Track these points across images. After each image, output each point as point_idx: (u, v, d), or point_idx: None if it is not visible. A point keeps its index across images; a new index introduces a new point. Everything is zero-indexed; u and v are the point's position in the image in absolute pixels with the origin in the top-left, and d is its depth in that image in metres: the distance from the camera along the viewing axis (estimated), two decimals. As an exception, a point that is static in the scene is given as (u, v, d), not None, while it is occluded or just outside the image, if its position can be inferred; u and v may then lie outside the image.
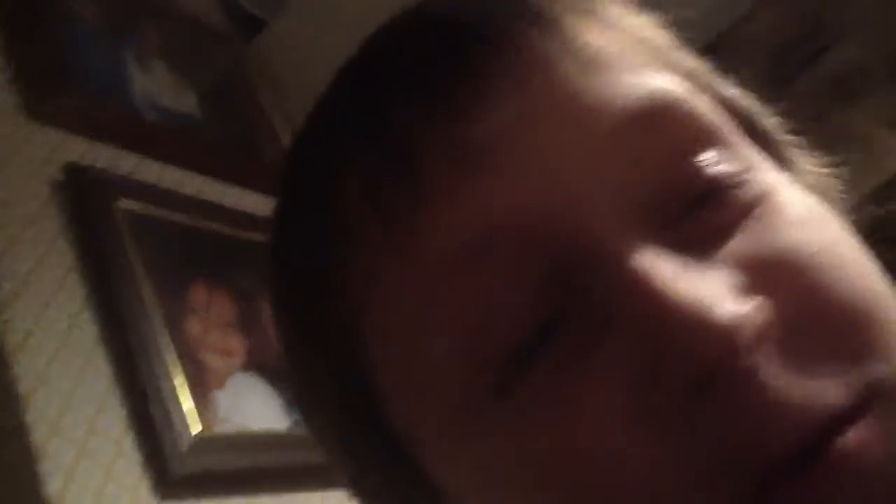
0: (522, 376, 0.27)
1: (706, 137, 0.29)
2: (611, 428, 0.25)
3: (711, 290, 0.25)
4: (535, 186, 0.27)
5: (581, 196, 0.27)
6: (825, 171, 0.35)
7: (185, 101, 1.26)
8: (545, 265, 0.27)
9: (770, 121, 0.34)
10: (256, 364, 0.99)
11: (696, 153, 0.29)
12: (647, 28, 0.34)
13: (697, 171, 0.29)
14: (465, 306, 0.27)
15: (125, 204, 0.98)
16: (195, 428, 0.84)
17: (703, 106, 0.30)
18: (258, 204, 1.21)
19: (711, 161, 0.29)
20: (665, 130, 0.29)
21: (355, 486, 0.35)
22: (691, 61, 0.34)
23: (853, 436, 0.24)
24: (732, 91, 0.34)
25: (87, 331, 0.86)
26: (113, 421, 0.81)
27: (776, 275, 0.27)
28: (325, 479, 0.95)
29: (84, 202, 0.94)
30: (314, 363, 0.33)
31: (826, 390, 0.25)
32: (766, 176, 0.30)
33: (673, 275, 0.26)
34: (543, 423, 0.27)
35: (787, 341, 0.25)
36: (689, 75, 0.32)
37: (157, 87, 1.22)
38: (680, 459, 0.25)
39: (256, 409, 0.94)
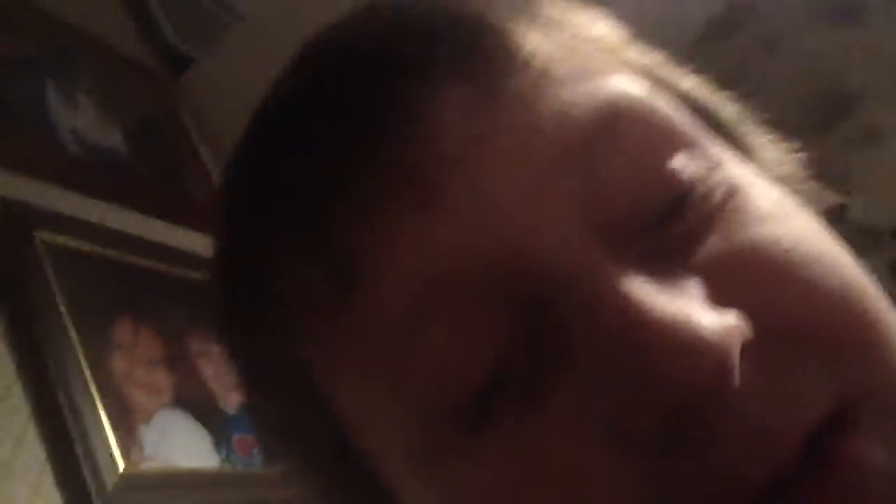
0: (489, 419, 0.25)
1: (669, 140, 0.27)
2: (585, 464, 0.24)
3: (689, 306, 0.23)
4: (482, 223, 0.25)
5: (535, 226, 0.25)
6: (787, 157, 0.34)
7: (112, 137, 1.23)
8: (501, 305, 0.25)
9: (731, 110, 0.33)
10: (184, 401, 0.96)
11: (659, 159, 0.27)
12: (596, 26, 0.32)
13: (663, 180, 0.27)
14: (420, 359, 0.26)
15: (46, 236, 0.95)
16: (120, 466, 0.81)
17: (664, 105, 0.28)
18: (187, 240, 1.19)
19: (677, 166, 0.27)
20: (625, 139, 0.27)
21: None
22: (647, 56, 0.32)
23: (847, 444, 0.23)
24: (691, 83, 0.32)
25: (4, 367, 0.82)
26: (31, 461, 0.77)
27: (750, 277, 0.25)
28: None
29: (2, 235, 0.91)
30: (274, 402, 0.32)
31: (810, 399, 0.23)
32: (732, 172, 0.28)
33: (645, 292, 0.24)
34: (512, 464, 0.25)
35: (766, 351, 0.24)
36: (645, 72, 0.30)
37: (84, 122, 1.19)
38: (663, 491, 0.23)
39: (184, 446, 0.91)
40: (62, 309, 0.89)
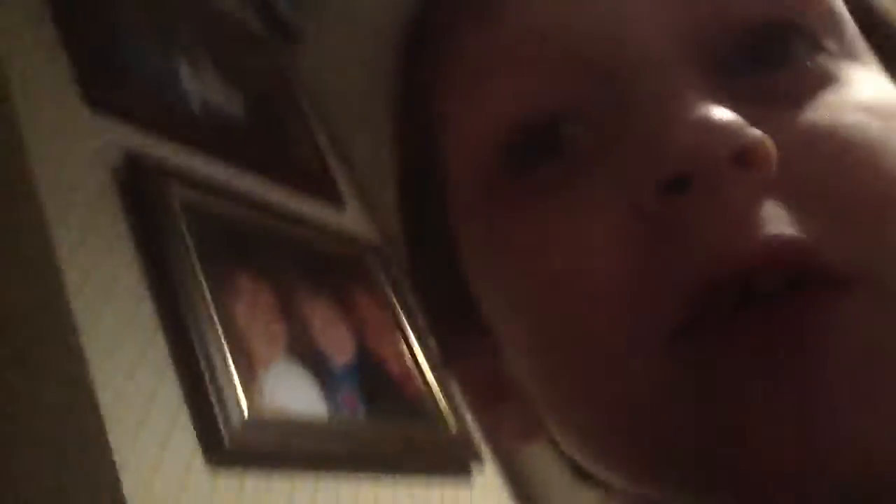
0: (536, 168, 0.28)
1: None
2: (602, 229, 0.26)
3: (728, 114, 0.24)
4: (587, 8, 0.28)
5: (630, 20, 0.27)
6: None
7: (232, 102, 1.31)
8: (577, 70, 0.27)
9: (884, 10, 0.33)
10: (297, 354, 1.03)
11: (789, 6, 0.27)
12: None
13: (778, 21, 0.27)
14: (504, 86, 0.28)
15: (181, 193, 1.02)
16: (245, 408, 0.88)
17: None
18: (299, 203, 1.26)
19: (810, 23, 0.27)
20: None
21: (409, 274, 0.37)
22: None
23: (838, 301, 0.23)
24: None
25: (146, 312, 0.90)
26: (170, 396, 0.85)
27: (818, 143, 0.25)
28: (359, 466, 0.99)
29: (142, 190, 0.99)
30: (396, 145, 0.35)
31: (802, 228, 0.23)
32: (853, 48, 0.28)
33: (704, 104, 0.24)
34: (548, 216, 0.27)
35: (787, 189, 0.24)
36: None
37: (206, 87, 1.27)
38: (654, 265, 0.24)
39: (297, 395, 0.98)
40: (195, 261, 0.97)
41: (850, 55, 0.28)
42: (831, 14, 0.28)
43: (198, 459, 0.82)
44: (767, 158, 0.24)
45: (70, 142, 0.98)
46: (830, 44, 0.28)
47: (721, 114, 0.24)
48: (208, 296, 0.95)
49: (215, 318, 0.93)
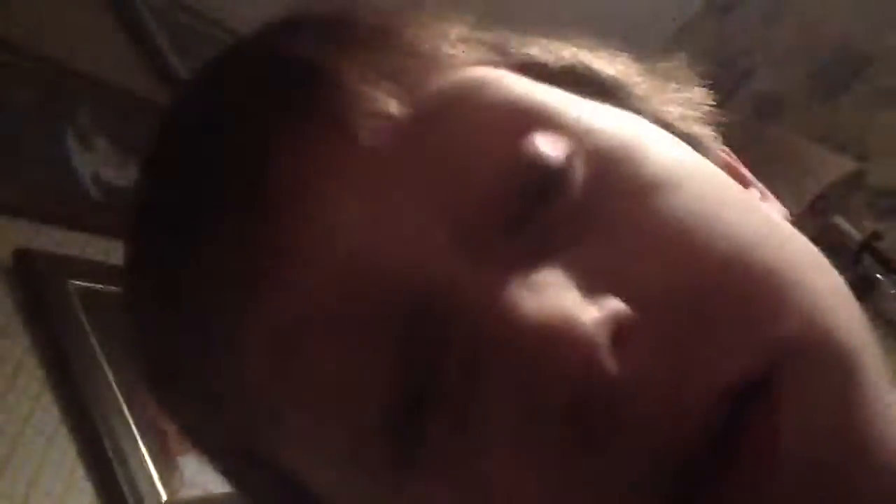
0: (413, 444, 0.25)
1: (517, 120, 0.26)
2: (518, 478, 0.23)
3: (559, 302, 0.23)
4: (333, 258, 0.25)
5: (387, 249, 0.25)
6: (686, 97, 0.33)
7: (129, 175, 1.28)
8: (380, 335, 0.25)
9: (610, 68, 0.31)
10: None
11: (505, 143, 0.26)
12: (435, 25, 0.30)
13: (515, 165, 0.25)
14: (320, 389, 0.25)
15: (77, 283, 1.00)
16: (162, 495, 0.86)
17: (508, 82, 0.27)
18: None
19: (531, 148, 0.26)
20: (456, 131, 0.26)
21: None
22: (495, 37, 0.30)
23: (764, 418, 0.22)
24: (549, 51, 0.31)
25: (48, 411, 0.87)
26: (81, 498, 0.82)
27: (634, 254, 0.24)
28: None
29: (35, 285, 0.96)
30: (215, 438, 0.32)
31: (714, 367, 0.22)
32: (612, 140, 0.27)
33: (517, 295, 0.23)
34: (450, 489, 0.25)
35: (660, 327, 0.23)
36: (494, 54, 0.29)
37: (100, 163, 1.24)
38: (593, 486, 0.23)
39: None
40: (98, 351, 0.94)
41: (585, 129, 0.27)
42: (544, 110, 0.27)
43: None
44: (633, 325, 0.23)
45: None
46: (566, 138, 0.26)
47: (564, 313, 0.22)
48: (114, 384, 0.92)
49: (124, 406, 0.91)
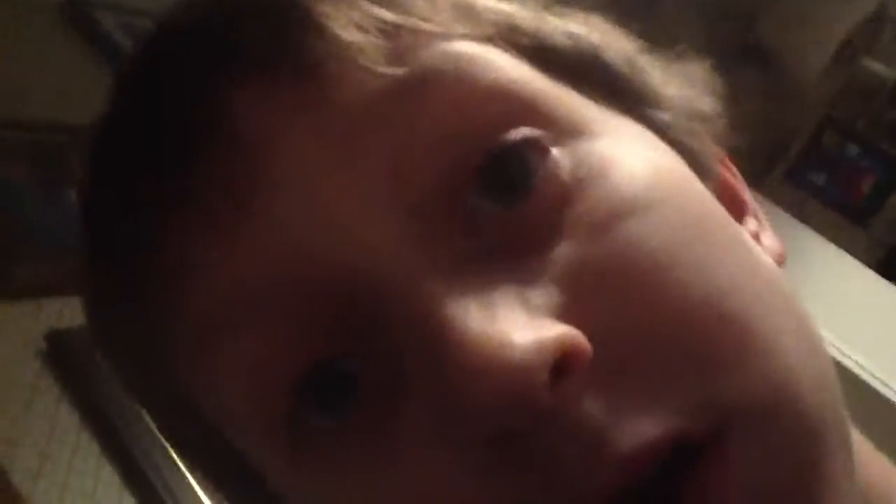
0: (319, 433, 0.24)
1: (500, 105, 0.24)
2: (419, 491, 0.23)
3: (504, 322, 0.21)
4: (286, 227, 0.24)
5: (336, 222, 0.23)
6: (699, 92, 0.31)
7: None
8: (311, 315, 0.24)
9: (620, 52, 0.29)
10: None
11: (483, 127, 0.24)
12: None
13: (489, 151, 0.24)
14: (231, 371, 0.25)
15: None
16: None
17: (502, 65, 0.25)
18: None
19: (510, 136, 0.24)
20: (434, 103, 0.24)
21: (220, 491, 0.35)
22: (500, 9, 0.27)
23: (702, 474, 0.21)
24: (564, 31, 0.28)
25: (111, 483, 0.91)
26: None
27: (598, 282, 0.22)
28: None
29: (72, 364, 0.99)
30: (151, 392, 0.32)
31: (661, 418, 0.21)
32: (598, 145, 0.25)
33: (460, 308, 0.22)
34: (360, 481, 0.24)
35: (609, 365, 0.21)
36: (494, 28, 0.26)
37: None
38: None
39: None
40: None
41: (575, 133, 0.25)
42: (532, 103, 0.25)
43: None
44: (581, 356, 0.21)
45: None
46: (550, 136, 0.24)
47: (512, 333, 0.21)
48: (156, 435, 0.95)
49: (171, 452, 0.94)
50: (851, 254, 1.89)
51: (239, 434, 0.28)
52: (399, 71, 0.24)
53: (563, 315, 0.22)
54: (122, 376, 0.34)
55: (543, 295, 0.22)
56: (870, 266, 1.94)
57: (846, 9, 2.14)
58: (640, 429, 0.21)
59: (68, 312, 1.07)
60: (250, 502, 0.32)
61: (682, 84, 0.31)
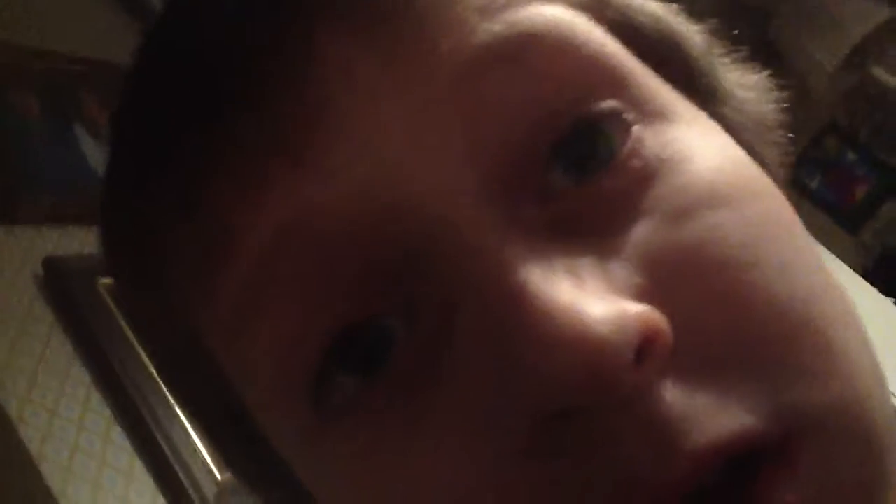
0: (352, 393, 0.23)
1: (593, 76, 0.23)
2: (468, 465, 0.21)
3: (584, 293, 0.20)
4: (352, 170, 0.22)
5: (411, 173, 0.22)
6: (762, 95, 0.30)
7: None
8: (364, 266, 0.22)
9: (699, 44, 0.29)
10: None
11: (574, 95, 0.23)
12: None
13: (575, 120, 0.23)
14: (276, 316, 0.23)
15: (106, 280, 1.04)
16: (217, 475, 0.92)
17: (598, 36, 0.24)
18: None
19: (597, 108, 0.23)
20: (531, 69, 0.23)
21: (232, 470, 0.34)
22: None
23: (772, 482, 0.20)
24: (650, 12, 0.28)
25: (100, 413, 0.93)
26: (142, 491, 0.89)
27: (680, 267, 0.21)
28: None
29: (68, 292, 1.01)
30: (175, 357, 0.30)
31: (729, 413, 0.20)
32: (680, 130, 0.24)
33: (539, 274, 0.20)
34: (389, 453, 0.22)
35: (691, 356, 0.20)
36: (581, 1, 0.25)
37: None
38: (559, 495, 0.20)
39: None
40: (133, 343, 0.99)
41: (658, 116, 0.24)
42: (622, 79, 0.24)
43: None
44: (664, 340, 0.20)
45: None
46: (635, 115, 0.24)
47: (594, 306, 0.19)
48: (154, 373, 0.97)
49: (167, 395, 0.96)
50: (839, 259, 1.91)
51: (261, 393, 0.26)
52: (495, 27, 0.23)
53: (643, 297, 0.21)
54: (135, 319, 0.32)
55: (624, 273, 0.21)
56: (857, 273, 1.96)
57: (860, 15, 2.14)
58: (716, 426, 0.20)
59: (66, 241, 1.09)
60: (249, 462, 0.31)
61: (748, 88, 0.30)
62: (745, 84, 0.30)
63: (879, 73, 2.24)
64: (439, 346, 0.22)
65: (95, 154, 1.24)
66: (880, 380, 0.24)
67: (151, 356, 0.32)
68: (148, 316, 0.30)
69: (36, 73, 1.26)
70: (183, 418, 0.95)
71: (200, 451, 0.93)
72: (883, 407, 0.23)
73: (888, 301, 1.89)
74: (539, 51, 0.23)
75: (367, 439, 0.23)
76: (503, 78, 0.23)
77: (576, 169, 0.23)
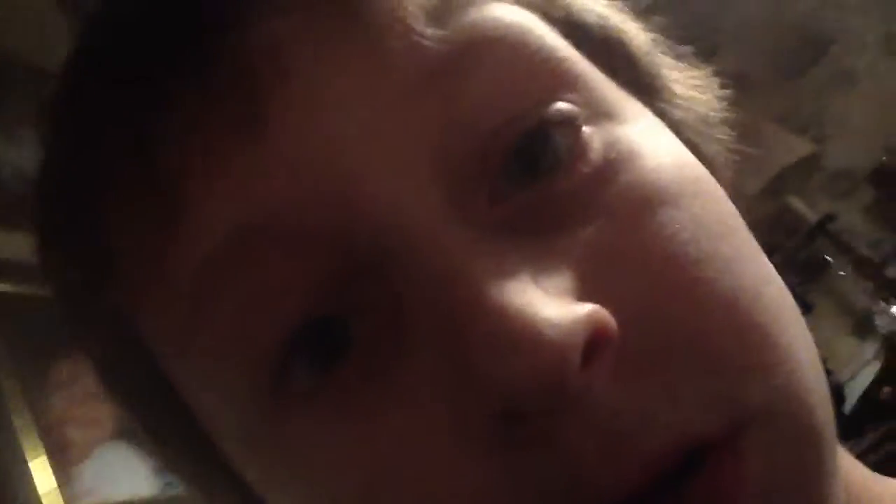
0: (309, 385, 0.23)
1: (544, 76, 0.24)
2: (428, 450, 0.21)
3: (534, 294, 0.20)
4: (312, 162, 0.22)
5: (366, 170, 0.22)
6: (705, 92, 0.31)
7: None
8: (322, 258, 0.22)
9: (643, 43, 0.29)
10: (125, 431, 1.03)
11: (525, 95, 0.23)
12: None
13: (528, 120, 0.23)
14: (228, 310, 0.23)
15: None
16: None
17: (548, 37, 0.25)
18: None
19: (550, 108, 0.23)
20: (484, 69, 0.23)
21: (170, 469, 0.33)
22: None
23: (720, 475, 0.20)
24: (595, 11, 0.28)
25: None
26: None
27: (628, 266, 0.22)
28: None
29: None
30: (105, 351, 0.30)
31: (677, 411, 0.20)
32: (627, 130, 0.25)
33: (489, 273, 0.21)
34: (344, 444, 0.22)
35: (640, 354, 0.21)
36: (530, 2, 0.26)
37: (25, 157, 1.24)
38: (515, 484, 0.21)
39: (123, 476, 0.98)
40: (3, 357, 0.96)
41: (606, 116, 0.25)
42: (574, 81, 0.25)
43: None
44: (610, 338, 0.20)
45: None
46: (585, 116, 0.24)
47: (545, 308, 0.20)
48: (16, 393, 0.94)
49: (25, 414, 0.93)
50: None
51: (214, 388, 0.25)
52: (444, 31, 0.23)
53: (592, 296, 0.21)
54: (68, 311, 0.31)
55: (573, 273, 0.22)
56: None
57: (787, 146, 2.25)
58: (663, 426, 0.20)
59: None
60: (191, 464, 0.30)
61: (690, 86, 0.31)
62: (689, 82, 0.31)
63: (796, 202, 2.35)
64: (395, 342, 0.22)
65: (6, 156, 1.21)
66: (820, 373, 0.24)
67: (88, 355, 0.31)
68: (87, 313, 0.29)
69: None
70: (29, 445, 0.91)
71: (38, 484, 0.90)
72: (822, 400, 0.23)
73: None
74: (492, 54, 0.24)
75: (323, 431, 0.23)
76: (453, 80, 0.23)
77: (528, 171, 0.23)
